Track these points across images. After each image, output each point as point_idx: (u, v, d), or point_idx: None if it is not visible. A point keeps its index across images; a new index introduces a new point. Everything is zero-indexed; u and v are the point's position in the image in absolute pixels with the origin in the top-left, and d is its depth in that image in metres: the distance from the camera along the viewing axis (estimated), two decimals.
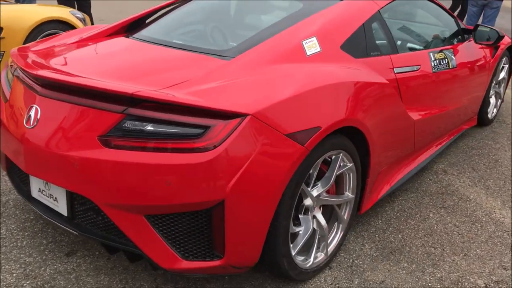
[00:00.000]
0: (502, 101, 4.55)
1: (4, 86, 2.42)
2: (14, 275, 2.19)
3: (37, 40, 3.11)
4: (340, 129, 2.15)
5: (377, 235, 2.61)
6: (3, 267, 2.24)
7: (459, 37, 3.55)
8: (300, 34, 2.32)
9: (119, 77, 2.04)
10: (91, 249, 2.40)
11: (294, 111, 1.93)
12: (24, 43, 4.43)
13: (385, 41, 2.76)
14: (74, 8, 6.05)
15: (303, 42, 2.27)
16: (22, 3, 6.33)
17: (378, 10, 2.71)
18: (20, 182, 2.38)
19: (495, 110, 4.34)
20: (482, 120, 4.14)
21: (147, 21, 3.08)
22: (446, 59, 3.14)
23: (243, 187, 1.79)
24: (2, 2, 5.14)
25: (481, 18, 6.66)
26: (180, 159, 1.75)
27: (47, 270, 2.24)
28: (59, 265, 2.28)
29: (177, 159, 1.75)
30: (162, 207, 1.81)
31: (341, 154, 2.21)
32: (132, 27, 2.94)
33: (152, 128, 1.80)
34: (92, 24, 6.28)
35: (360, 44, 2.50)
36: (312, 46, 2.28)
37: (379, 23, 2.74)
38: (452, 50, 3.28)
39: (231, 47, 2.42)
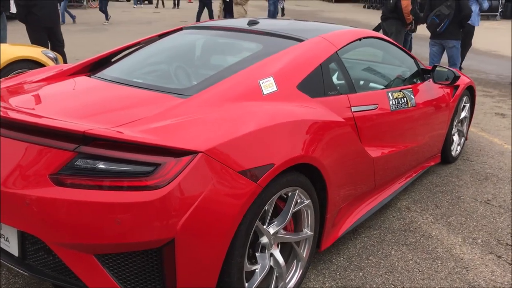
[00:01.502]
0: (466, 139, 4.67)
1: None
2: None
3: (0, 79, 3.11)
4: (296, 166, 2.18)
5: (338, 273, 2.60)
6: None
7: (419, 77, 3.67)
8: (258, 74, 2.38)
9: (74, 116, 2.05)
10: None
11: (247, 148, 1.96)
12: None
13: (343, 81, 2.84)
14: (47, 47, 6.09)
15: (260, 82, 2.33)
16: None
17: (336, 52, 2.81)
18: None
19: (459, 148, 4.44)
20: (446, 158, 4.23)
21: (112, 60, 3.12)
22: (405, 98, 3.23)
23: (194, 225, 1.79)
24: None
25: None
26: (130, 197, 1.75)
27: None
28: None
29: (127, 197, 1.75)
30: (111, 246, 1.79)
31: (297, 190, 2.23)
32: (95, 66, 2.98)
33: (103, 166, 1.80)
34: (66, 63, 6.32)
35: (316, 84, 2.57)
36: (268, 85, 2.34)
37: (337, 64, 2.82)
38: (411, 89, 3.39)
39: (190, 86, 2.47)
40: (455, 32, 6.50)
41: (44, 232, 1.85)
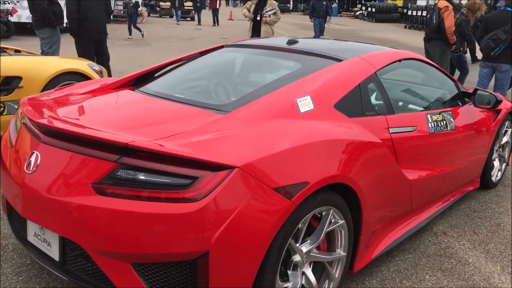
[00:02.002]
0: (507, 165, 4.54)
1: (12, 132, 2.53)
2: None
3: (48, 91, 3.26)
4: (331, 186, 2.18)
5: None
6: None
7: (459, 100, 3.61)
8: (295, 92, 2.41)
9: (117, 128, 2.13)
10: None
11: (282, 165, 1.98)
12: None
13: (381, 102, 2.84)
14: (94, 60, 6.33)
15: (297, 100, 2.36)
16: (46, 54, 6.65)
17: (375, 72, 2.81)
18: (19, 226, 2.43)
19: (499, 173, 4.32)
20: (486, 183, 4.11)
21: (155, 75, 3.22)
22: (444, 121, 3.19)
23: (228, 239, 1.82)
24: (24, 53, 5.42)
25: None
26: (167, 209, 1.80)
27: None
28: None
29: (164, 208, 1.80)
30: (147, 256, 1.84)
31: (332, 210, 2.23)
32: (139, 80, 3.09)
33: (143, 177, 1.86)
34: (110, 76, 6.55)
35: (354, 103, 2.58)
36: (305, 104, 2.37)
37: (375, 84, 2.82)
38: (451, 112, 3.34)
39: (229, 102, 2.52)
40: (509, 56, 6.38)
41: (83, 239, 1.92)
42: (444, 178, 3.29)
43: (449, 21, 6.86)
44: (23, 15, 13.49)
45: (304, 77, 2.58)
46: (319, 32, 15.18)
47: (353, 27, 25.61)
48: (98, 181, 1.91)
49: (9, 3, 13.85)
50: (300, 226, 2.08)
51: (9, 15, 13.65)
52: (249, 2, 9.27)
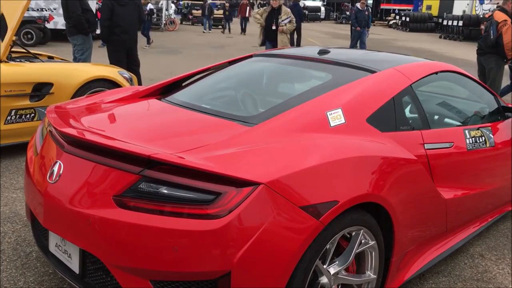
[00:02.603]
0: None
1: (38, 140, 2.52)
2: None
3: (75, 98, 3.26)
4: (361, 205, 2.07)
5: None
6: None
7: (499, 115, 3.43)
8: (326, 105, 2.31)
9: (141, 139, 2.08)
10: None
11: (310, 182, 1.89)
12: (72, 99, 4.67)
13: (416, 116, 2.70)
14: (124, 67, 6.38)
15: (328, 113, 2.26)
16: (78, 61, 6.75)
17: (410, 85, 2.68)
18: (41, 235, 2.41)
19: None
20: None
21: (182, 84, 3.18)
22: (483, 137, 3.02)
23: (251, 259, 1.73)
24: (57, 60, 5.49)
25: None
26: (189, 225, 1.73)
27: None
28: None
29: (186, 225, 1.73)
30: (167, 274, 1.77)
31: (362, 230, 2.11)
32: (167, 89, 3.04)
33: (166, 191, 1.80)
34: (140, 83, 6.58)
35: (388, 117, 2.46)
36: (336, 117, 2.26)
37: (410, 97, 2.69)
38: (490, 128, 3.17)
39: (256, 114, 2.44)
40: None
41: (103, 253, 1.87)
42: (481, 197, 3.12)
43: (508, 36, 6.61)
44: (59, 22, 13.81)
45: (335, 88, 2.48)
46: (362, 42, 14.69)
47: (387, 36, 25.26)
48: (119, 194, 1.86)
49: (46, 10, 14.22)
50: (328, 247, 1.97)
51: (46, 22, 14.00)
52: (260, 9, 9.11)
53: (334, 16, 40.83)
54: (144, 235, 1.76)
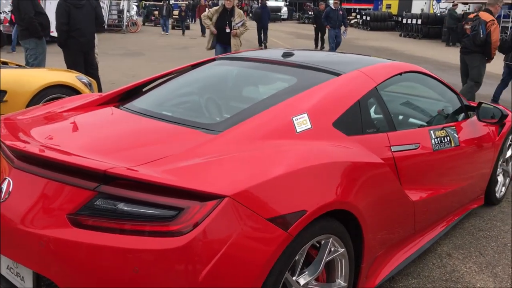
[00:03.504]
0: (511, 180, 4.38)
1: None
2: None
3: (29, 107, 3.09)
4: (330, 212, 2.01)
5: None
6: None
7: (463, 114, 3.46)
8: (291, 110, 2.25)
9: (97, 151, 1.96)
10: None
11: (277, 192, 1.81)
12: (27, 107, 4.45)
13: (382, 118, 2.67)
14: (82, 71, 6.16)
15: (294, 118, 2.19)
16: (31, 66, 6.47)
17: (375, 87, 2.65)
18: None
19: (503, 188, 4.15)
20: (490, 199, 3.95)
21: (143, 90, 3.05)
22: (448, 137, 3.03)
23: (217, 277, 1.64)
24: (11, 65, 5.24)
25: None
26: (151, 244, 1.63)
27: None
28: None
29: (147, 243, 1.63)
30: None
31: (331, 238, 2.05)
32: (126, 96, 2.91)
33: (124, 208, 1.69)
34: (100, 88, 6.37)
35: (354, 121, 2.42)
36: (302, 122, 2.20)
37: (376, 99, 2.66)
38: (454, 127, 3.18)
39: (220, 121, 2.35)
40: None
41: (58, 275, 1.74)
42: (448, 197, 3.13)
43: (496, 35, 6.82)
44: None
45: (300, 92, 2.42)
46: (335, 44, 14.06)
47: (349, 35, 25.52)
48: (74, 212, 1.73)
49: (0, 13, 13.68)
50: (297, 258, 1.90)
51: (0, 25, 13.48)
52: (210, 10, 8.53)
53: (297, 16, 41.02)
54: (102, 255, 1.65)
